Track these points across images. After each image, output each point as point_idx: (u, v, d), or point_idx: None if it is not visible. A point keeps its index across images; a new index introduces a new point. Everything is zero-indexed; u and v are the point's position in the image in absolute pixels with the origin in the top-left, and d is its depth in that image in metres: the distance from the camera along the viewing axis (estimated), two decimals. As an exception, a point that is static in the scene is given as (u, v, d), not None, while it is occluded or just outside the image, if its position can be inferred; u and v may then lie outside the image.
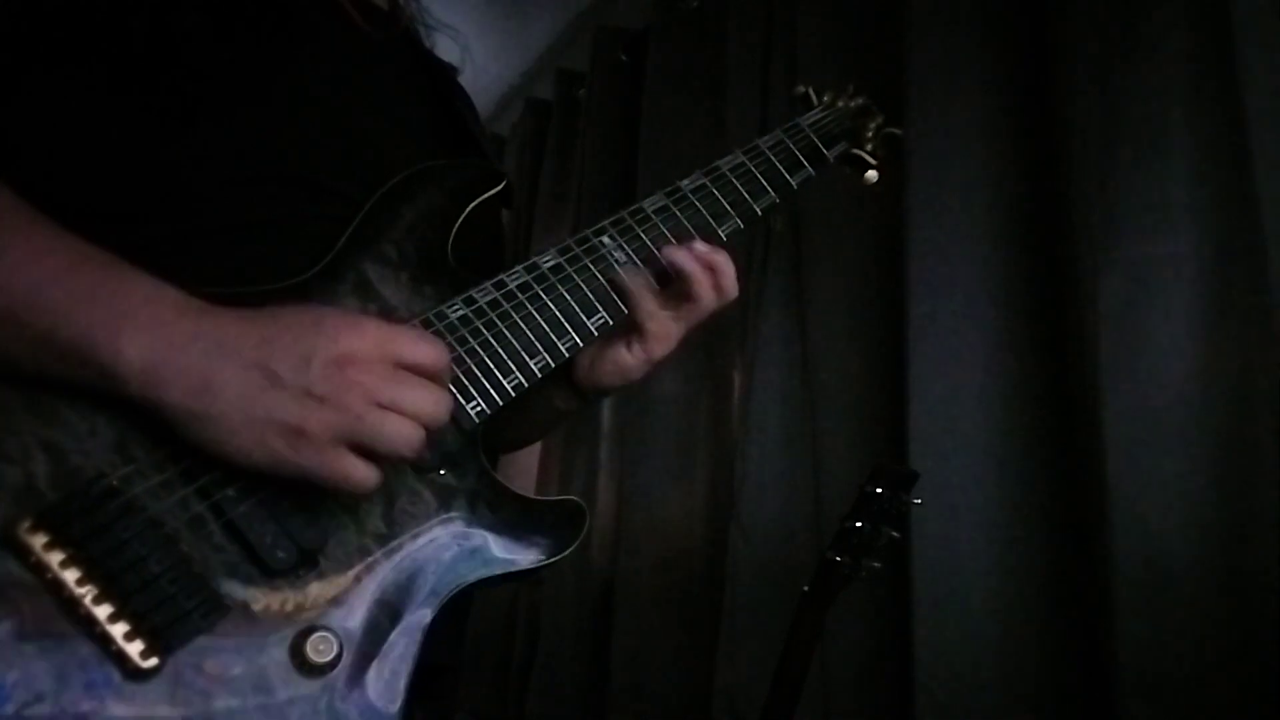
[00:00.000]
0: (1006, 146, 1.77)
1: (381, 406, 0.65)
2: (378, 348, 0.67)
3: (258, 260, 0.78)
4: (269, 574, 0.67)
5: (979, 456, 1.70)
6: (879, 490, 1.41)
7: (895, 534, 1.42)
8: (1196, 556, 1.40)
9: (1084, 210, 1.57)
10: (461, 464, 0.77)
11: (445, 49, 1.08)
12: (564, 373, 0.92)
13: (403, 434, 0.66)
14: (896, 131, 1.13)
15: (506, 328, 0.81)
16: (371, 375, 0.66)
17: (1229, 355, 1.42)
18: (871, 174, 1.09)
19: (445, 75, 1.04)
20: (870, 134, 1.09)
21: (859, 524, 1.40)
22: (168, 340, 0.64)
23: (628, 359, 0.91)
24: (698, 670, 2.20)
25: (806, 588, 1.43)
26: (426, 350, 0.70)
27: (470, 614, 0.93)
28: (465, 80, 1.09)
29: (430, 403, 0.68)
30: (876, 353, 1.96)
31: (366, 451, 0.66)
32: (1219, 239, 1.45)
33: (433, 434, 0.69)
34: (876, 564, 1.42)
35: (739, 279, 0.93)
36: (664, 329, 0.89)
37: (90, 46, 0.75)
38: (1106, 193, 1.54)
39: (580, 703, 2.59)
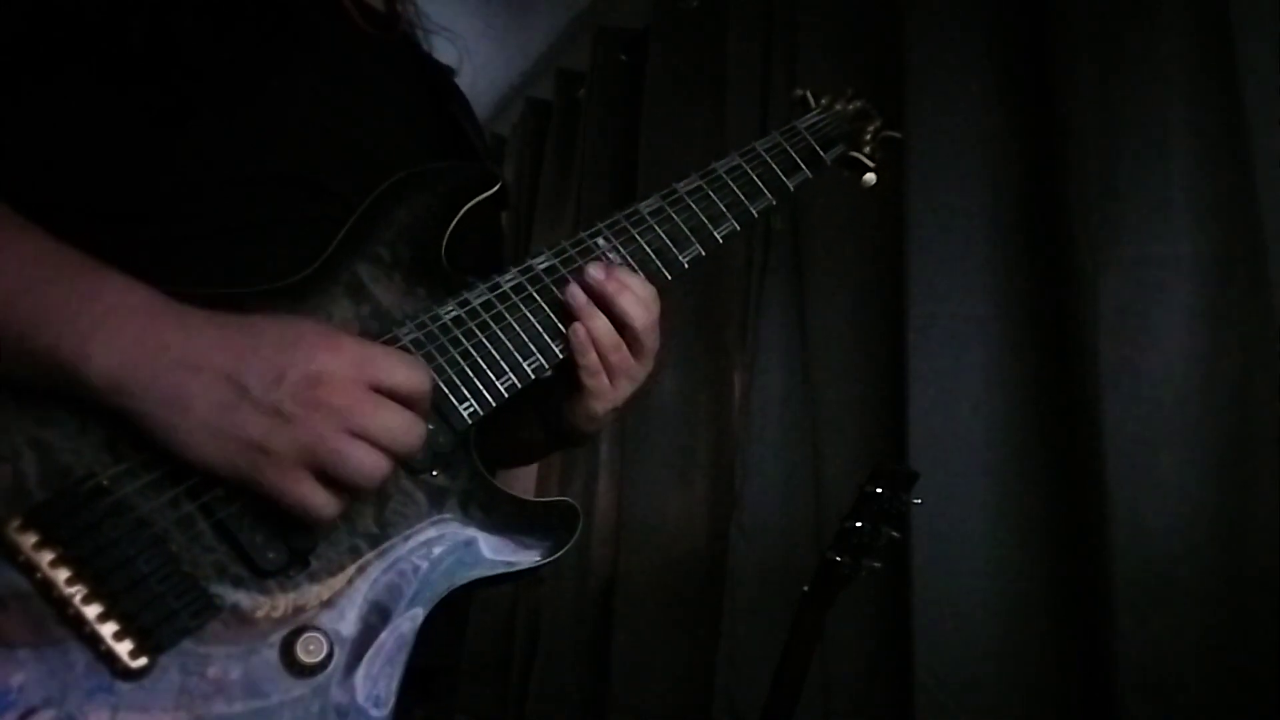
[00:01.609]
0: (1007, 146, 1.77)
1: (350, 432, 0.64)
2: (354, 368, 0.65)
3: (254, 260, 0.77)
4: (259, 574, 0.67)
5: (979, 456, 1.70)
6: (879, 490, 1.41)
7: (895, 534, 1.42)
8: (1196, 556, 1.40)
9: (1084, 211, 1.56)
10: (454, 465, 0.76)
11: (444, 51, 1.08)
12: (533, 405, 0.92)
13: (366, 463, 0.64)
14: (895, 134, 1.12)
15: (500, 329, 0.81)
16: (344, 397, 0.64)
17: (1229, 355, 1.42)
18: (870, 176, 1.09)
19: (443, 77, 1.04)
20: (868, 137, 1.09)
21: (859, 524, 1.40)
22: (137, 349, 0.63)
23: (576, 421, 0.90)
24: (698, 670, 2.20)
25: (806, 588, 1.43)
26: (405, 374, 0.68)
27: (469, 615, 0.93)
28: (465, 80, 1.09)
29: (401, 429, 0.66)
30: (876, 353, 1.96)
31: (328, 478, 0.65)
32: (1219, 239, 1.45)
33: (403, 462, 0.68)
34: (876, 564, 1.42)
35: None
36: (600, 385, 0.86)
37: (89, 46, 0.74)
38: (1106, 193, 1.54)
39: (580, 703, 2.59)
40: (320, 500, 0.65)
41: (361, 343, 0.70)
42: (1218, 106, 1.46)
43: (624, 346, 0.85)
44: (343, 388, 0.65)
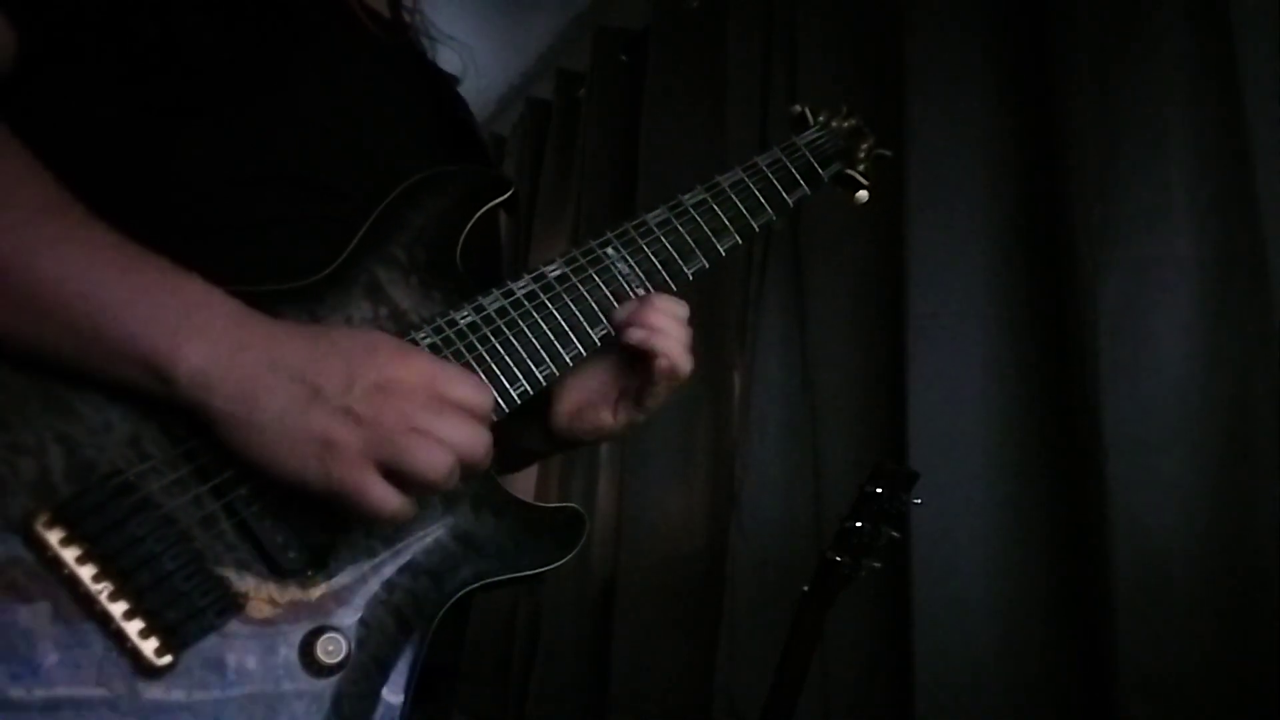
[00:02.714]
0: (1007, 146, 1.77)
1: (416, 430, 0.65)
2: (423, 379, 0.67)
3: (260, 259, 0.78)
4: (280, 574, 0.68)
5: (979, 456, 1.70)
6: (879, 490, 1.41)
7: (895, 534, 1.42)
8: (1196, 556, 1.41)
9: (1084, 210, 1.57)
10: None
11: (447, 59, 1.08)
12: (538, 414, 0.93)
13: (432, 458, 0.65)
14: (887, 153, 1.14)
15: (514, 335, 0.81)
16: (412, 403, 0.66)
17: (1229, 355, 1.43)
18: (862, 194, 1.11)
19: (446, 83, 1.05)
20: (862, 155, 1.11)
21: (859, 524, 1.40)
22: (221, 348, 0.64)
23: (610, 421, 0.93)
24: (698, 670, 2.20)
25: (806, 588, 1.43)
26: (470, 390, 0.69)
27: (470, 616, 0.94)
28: (465, 81, 1.09)
29: (467, 434, 0.68)
30: (876, 353, 1.96)
31: (397, 476, 0.66)
32: (1219, 239, 1.45)
33: (467, 468, 0.69)
34: (876, 564, 1.42)
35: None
36: (658, 402, 0.91)
37: (95, 45, 0.75)
38: (1106, 193, 1.54)
39: (580, 704, 2.59)
40: (387, 497, 0.66)
41: (431, 358, 0.72)
42: (1218, 106, 1.47)
43: None
44: (410, 394, 0.66)
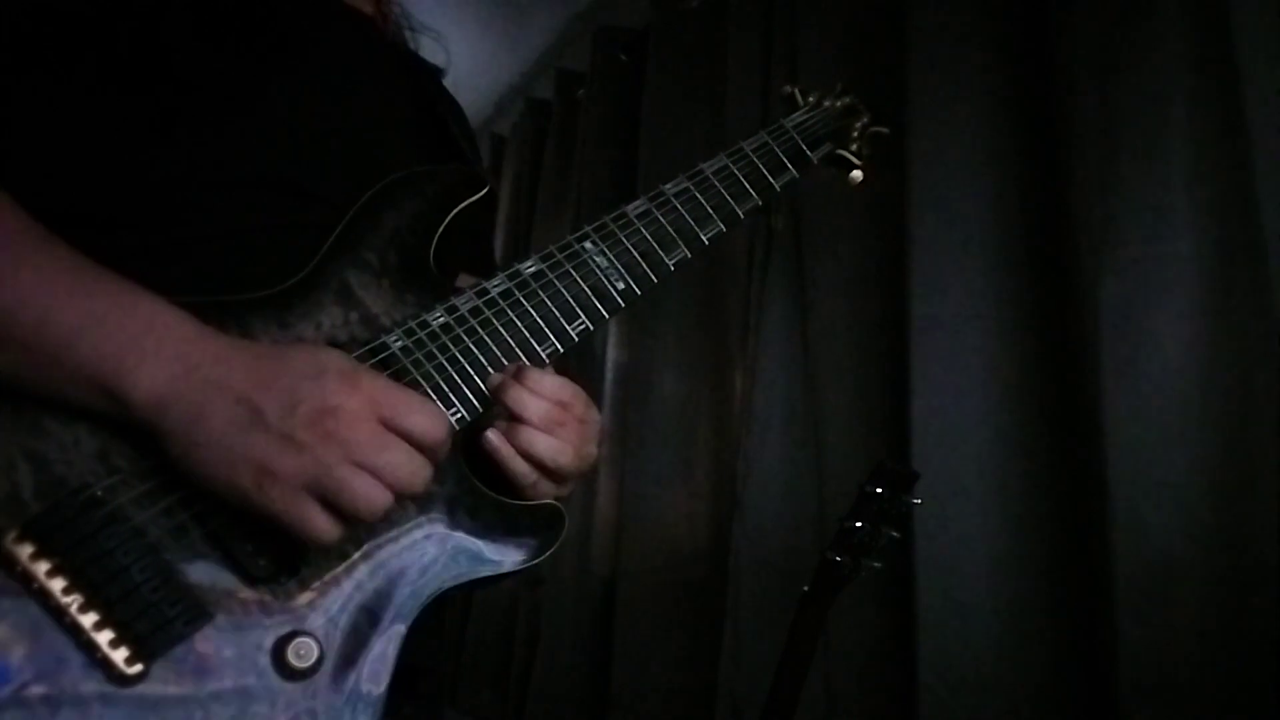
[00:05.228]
0: (1007, 146, 1.77)
1: (356, 464, 0.65)
2: (369, 406, 0.67)
3: (242, 266, 0.78)
4: (251, 581, 0.68)
5: (980, 456, 1.70)
6: (879, 490, 1.41)
7: (895, 534, 1.42)
8: (1196, 556, 1.40)
9: (1084, 210, 1.57)
10: (441, 470, 0.76)
11: (432, 51, 1.07)
12: None
13: (366, 495, 0.65)
14: (883, 130, 1.11)
15: (488, 334, 0.81)
16: (353, 431, 0.65)
17: (1229, 355, 1.42)
18: (856, 174, 1.07)
19: (431, 79, 1.04)
20: (856, 134, 1.08)
21: (859, 524, 1.40)
22: (173, 369, 0.65)
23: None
24: (699, 671, 2.20)
25: (807, 588, 1.43)
26: (419, 419, 0.69)
27: (469, 616, 0.93)
28: (465, 81, 1.09)
29: (407, 471, 0.67)
30: (878, 353, 1.96)
31: (331, 505, 0.65)
32: (1219, 239, 1.45)
33: (404, 499, 0.69)
34: (876, 564, 1.42)
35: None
36: (541, 492, 0.81)
37: (76, 53, 0.75)
38: (1106, 193, 1.54)
39: (580, 704, 2.59)
40: (320, 524, 0.65)
41: (382, 383, 0.70)
42: (1218, 106, 1.46)
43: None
44: (353, 423, 0.66)
